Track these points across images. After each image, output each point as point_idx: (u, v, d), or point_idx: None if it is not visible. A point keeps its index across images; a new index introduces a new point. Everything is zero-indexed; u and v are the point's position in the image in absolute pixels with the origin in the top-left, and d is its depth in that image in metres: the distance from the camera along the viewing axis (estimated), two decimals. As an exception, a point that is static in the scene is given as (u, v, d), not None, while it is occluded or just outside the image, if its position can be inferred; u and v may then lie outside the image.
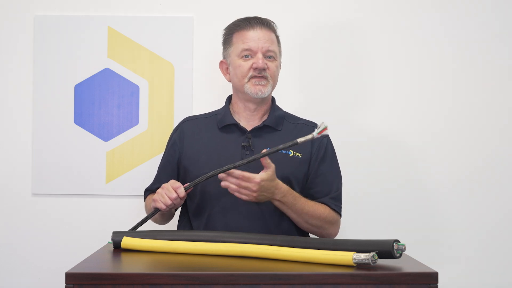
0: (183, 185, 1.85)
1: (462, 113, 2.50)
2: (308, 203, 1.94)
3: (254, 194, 1.80)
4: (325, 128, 1.75)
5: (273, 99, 2.11)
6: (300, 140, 1.76)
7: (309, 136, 1.76)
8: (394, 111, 2.51)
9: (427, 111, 2.51)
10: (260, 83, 1.98)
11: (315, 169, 2.01)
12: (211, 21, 2.48)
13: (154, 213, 1.90)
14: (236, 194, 1.81)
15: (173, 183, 1.87)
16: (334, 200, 1.99)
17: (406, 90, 2.51)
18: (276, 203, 1.89)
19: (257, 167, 1.83)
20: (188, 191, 1.86)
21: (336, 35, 2.51)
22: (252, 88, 1.98)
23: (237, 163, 1.78)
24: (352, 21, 2.51)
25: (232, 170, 1.77)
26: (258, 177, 1.78)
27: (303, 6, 2.51)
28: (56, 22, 2.50)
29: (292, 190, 1.90)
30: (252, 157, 1.79)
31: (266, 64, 1.98)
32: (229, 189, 1.81)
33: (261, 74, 1.97)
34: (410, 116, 2.51)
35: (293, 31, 2.49)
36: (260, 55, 1.97)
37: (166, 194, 1.84)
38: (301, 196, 1.93)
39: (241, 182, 1.79)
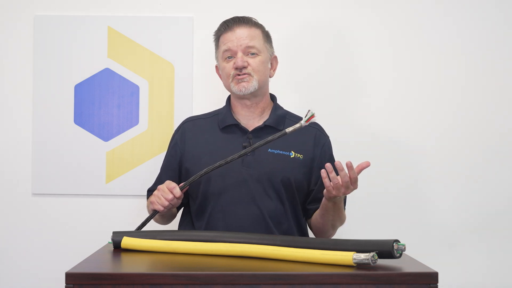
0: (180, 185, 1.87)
1: (464, 113, 2.50)
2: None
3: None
4: (313, 116, 1.76)
5: (275, 98, 2.12)
6: (288, 130, 1.78)
7: (297, 125, 1.77)
8: (395, 111, 2.51)
9: (429, 111, 2.50)
10: (243, 80, 1.99)
11: None
12: (211, 21, 2.46)
13: (153, 215, 1.91)
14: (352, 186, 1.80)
15: (168, 183, 1.89)
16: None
17: (406, 90, 2.51)
18: (338, 200, 1.88)
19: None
20: (184, 190, 1.88)
21: (337, 35, 2.51)
22: (236, 87, 2.00)
23: (229, 159, 1.82)
24: (353, 20, 2.51)
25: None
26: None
27: (303, 6, 2.50)
28: (56, 22, 2.50)
29: None
30: (243, 151, 1.82)
31: (247, 61, 1.99)
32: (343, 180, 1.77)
33: (242, 72, 1.99)
34: (411, 117, 2.50)
35: (292, 31, 2.49)
36: (239, 54, 1.99)
37: (162, 196, 1.87)
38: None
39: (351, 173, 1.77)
